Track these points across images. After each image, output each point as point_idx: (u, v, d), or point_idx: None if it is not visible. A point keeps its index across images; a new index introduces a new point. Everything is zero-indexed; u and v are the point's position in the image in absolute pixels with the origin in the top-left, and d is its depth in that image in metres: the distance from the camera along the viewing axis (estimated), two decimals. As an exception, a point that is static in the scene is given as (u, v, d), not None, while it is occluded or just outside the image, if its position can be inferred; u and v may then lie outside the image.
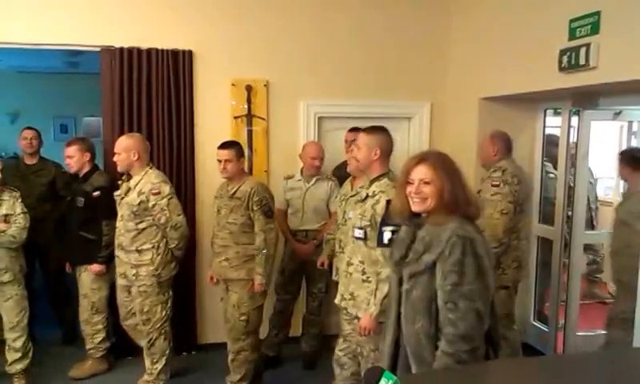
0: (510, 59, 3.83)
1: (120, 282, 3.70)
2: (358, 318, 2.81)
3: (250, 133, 4.29)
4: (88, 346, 4.02)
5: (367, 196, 2.82)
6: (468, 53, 4.37)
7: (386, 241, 2.59)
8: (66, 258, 4.13)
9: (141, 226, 3.53)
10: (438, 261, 1.96)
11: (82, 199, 3.85)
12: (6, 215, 3.57)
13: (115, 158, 3.61)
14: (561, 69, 3.27)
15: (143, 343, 3.73)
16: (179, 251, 3.65)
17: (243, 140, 4.25)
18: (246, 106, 4.25)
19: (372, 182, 2.86)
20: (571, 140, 4.13)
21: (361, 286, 2.82)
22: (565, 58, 3.23)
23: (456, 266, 1.92)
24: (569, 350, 4.10)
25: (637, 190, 3.77)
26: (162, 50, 4.04)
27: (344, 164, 4.21)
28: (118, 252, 3.65)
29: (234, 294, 3.53)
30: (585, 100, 3.89)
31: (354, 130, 4.12)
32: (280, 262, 4.12)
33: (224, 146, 3.52)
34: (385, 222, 2.63)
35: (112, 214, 3.71)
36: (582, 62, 3.09)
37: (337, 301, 3.00)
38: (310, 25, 4.33)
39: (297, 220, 4.03)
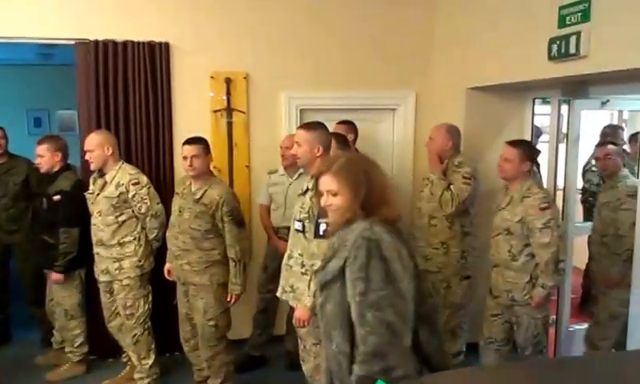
0: (497, 47, 3.72)
1: (102, 279, 3.60)
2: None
3: (229, 126, 4.16)
4: (67, 350, 3.95)
5: (307, 189, 2.83)
6: (454, 41, 4.26)
7: (321, 232, 2.69)
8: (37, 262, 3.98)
9: (121, 218, 3.50)
10: (347, 267, 1.79)
11: (46, 200, 3.75)
12: None
13: (88, 157, 3.51)
14: (550, 58, 3.18)
15: (126, 342, 3.67)
16: (157, 242, 3.63)
17: (223, 134, 4.13)
18: (225, 99, 4.12)
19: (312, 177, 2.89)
20: (561, 130, 4.05)
21: (300, 278, 2.86)
22: (554, 47, 3.14)
23: (362, 272, 1.74)
24: (562, 345, 4.06)
25: None
26: (138, 43, 3.89)
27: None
28: (97, 249, 3.57)
29: (200, 300, 3.44)
30: (575, 89, 3.80)
31: (344, 122, 4.05)
32: (263, 259, 4.03)
33: (190, 141, 3.43)
34: (321, 214, 2.66)
35: (72, 221, 3.63)
36: (572, 50, 3.00)
37: (278, 293, 3.03)
38: (290, 15, 4.19)
39: (279, 216, 3.92)
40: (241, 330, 4.05)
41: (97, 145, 3.49)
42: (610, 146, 4.02)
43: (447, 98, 4.35)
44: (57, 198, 3.69)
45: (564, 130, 4.01)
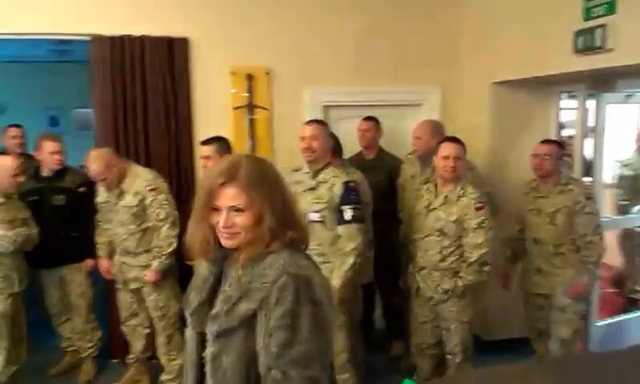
0: (523, 41, 3.61)
1: (133, 286, 3.55)
2: None
3: (251, 124, 4.03)
4: (86, 345, 3.90)
5: (319, 183, 3.04)
6: (480, 35, 4.12)
7: (349, 218, 2.93)
8: (36, 263, 3.71)
9: (144, 225, 3.43)
10: (261, 310, 1.40)
11: (63, 197, 3.67)
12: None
13: (97, 176, 3.39)
14: (576, 51, 3.12)
15: (140, 345, 3.70)
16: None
17: (244, 132, 4.01)
18: (246, 96, 3.99)
19: (318, 171, 3.07)
20: (587, 124, 3.97)
21: (320, 267, 2.77)
22: (580, 40, 3.09)
23: (286, 319, 1.37)
24: (591, 341, 3.99)
25: None
26: (156, 38, 3.77)
27: (358, 155, 4.01)
28: (124, 258, 3.52)
29: None
30: (601, 83, 3.74)
31: (368, 118, 3.94)
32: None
33: (206, 141, 3.37)
34: (343, 201, 2.95)
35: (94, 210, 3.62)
36: (597, 43, 2.95)
37: None
38: (313, 9, 4.07)
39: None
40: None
41: (106, 166, 3.36)
42: None
43: (473, 92, 4.23)
44: (83, 189, 3.71)
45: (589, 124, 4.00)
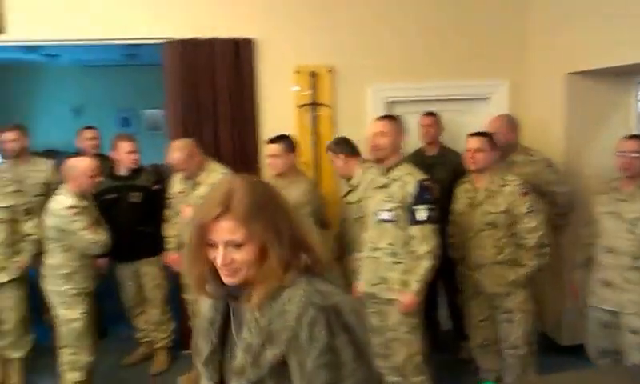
0: (600, 28, 3.44)
1: None
2: (390, 301, 2.92)
3: (315, 121, 4.07)
4: (161, 336, 4.06)
5: (392, 180, 2.93)
6: (551, 23, 3.96)
7: (424, 217, 2.82)
8: (115, 256, 3.89)
9: None
10: (291, 354, 1.22)
11: (139, 194, 3.85)
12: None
13: (178, 165, 3.55)
14: None
15: None
16: None
17: (308, 129, 4.05)
18: (310, 94, 4.04)
19: (390, 169, 2.97)
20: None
21: (391, 268, 2.92)
22: None
23: (325, 357, 1.19)
24: None
25: None
26: (224, 40, 3.87)
27: (418, 152, 3.96)
28: None
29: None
30: None
31: (429, 114, 3.89)
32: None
33: (271, 140, 3.41)
34: (417, 201, 2.84)
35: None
36: None
37: (363, 288, 3.00)
38: (375, 5, 4.05)
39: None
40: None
41: (188, 155, 3.51)
42: None
43: (545, 84, 4.07)
44: (157, 187, 3.90)
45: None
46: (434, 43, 4.13)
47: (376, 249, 2.97)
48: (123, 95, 7.76)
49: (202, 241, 1.27)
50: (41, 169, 4.12)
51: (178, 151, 3.49)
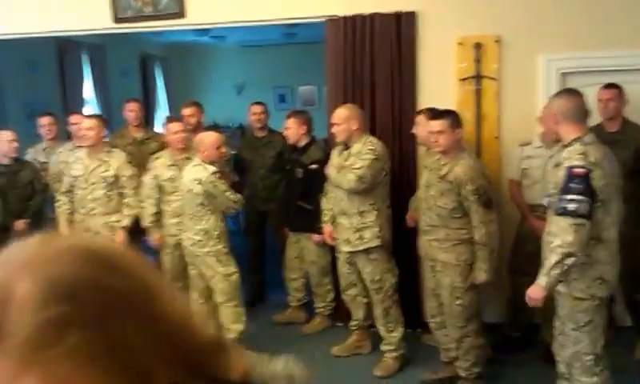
0: None
1: (344, 249, 3.69)
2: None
3: (477, 95, 3.90)
4: (319, 305, 4.28)
5: (563, 159, 2.64)
6: None
7: (571, 208, 2.50)
8: (284, 224, 4.37)
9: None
10: None
11: (301, 170, 4.04)
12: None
13: (334, 129, 3.61)
14: None
15: (360, 314, 3.86)
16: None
17: (470, 104, 3.90)
18: (474, 66, 3.87)
19: (563, 146, 2.71)
20: None
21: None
22: None
23: None
24: None
25: None
26: (385, 14, 3.86)
27: (597, 128, 3.62)
28: (339, 219, 3.67)
29: (446, 278, 3.29)
30: None
31: (610, 86, 3.53)
32: (514, 239, 3.73)
33: (435, 115, 3.28)
34: (563, 189, 2.54)
35: (324, 187, 3.85)
36: None
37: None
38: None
39: (535, 193, 3.56)
40: (496, 313, 3.87)
41: (344, 119, 3.55)
42: None
43: None
44: (314, 166, 3.96)
45: None
46: (614, 6, 3.72)
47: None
48: (280, 73, 8.12)
49: None
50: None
51: (344, 109, 3.60)
